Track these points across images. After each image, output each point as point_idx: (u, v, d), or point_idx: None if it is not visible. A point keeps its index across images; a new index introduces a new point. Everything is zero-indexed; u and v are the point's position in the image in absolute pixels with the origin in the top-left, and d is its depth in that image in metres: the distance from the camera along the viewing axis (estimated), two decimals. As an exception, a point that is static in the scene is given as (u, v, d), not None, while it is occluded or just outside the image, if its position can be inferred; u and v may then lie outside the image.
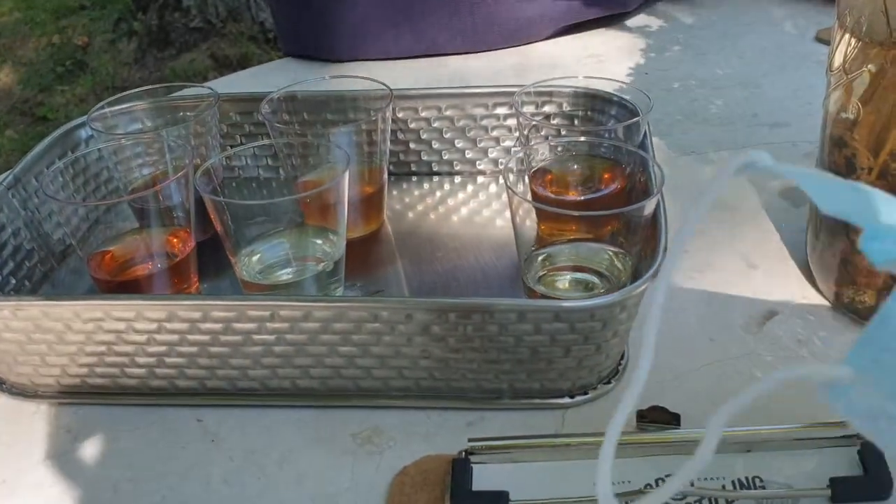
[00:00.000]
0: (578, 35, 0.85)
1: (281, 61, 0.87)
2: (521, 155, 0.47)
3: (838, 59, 0.44)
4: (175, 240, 0.47)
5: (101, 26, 3.27)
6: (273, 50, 2.97)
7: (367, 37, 0.82)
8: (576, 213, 0.42)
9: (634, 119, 0.50)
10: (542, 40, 0.85)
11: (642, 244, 0.43)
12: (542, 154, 0.48)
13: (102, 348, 0.42)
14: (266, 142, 0.50)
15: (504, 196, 0.58)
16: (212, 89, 0.56)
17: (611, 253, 0.44)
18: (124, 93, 0.57)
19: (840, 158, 0.46)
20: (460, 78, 0.79)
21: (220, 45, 2.94)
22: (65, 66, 3.01)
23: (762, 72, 0.76)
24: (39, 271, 0.52)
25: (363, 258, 0.52)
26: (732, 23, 0.87)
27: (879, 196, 0.20)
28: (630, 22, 0.88)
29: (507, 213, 0.56)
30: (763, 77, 0.75)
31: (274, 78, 0.83)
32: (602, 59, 0.81)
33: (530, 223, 0.44)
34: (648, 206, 0.41)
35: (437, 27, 0.81)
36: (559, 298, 0.44)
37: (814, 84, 0.73)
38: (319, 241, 0.47)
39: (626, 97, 0.53)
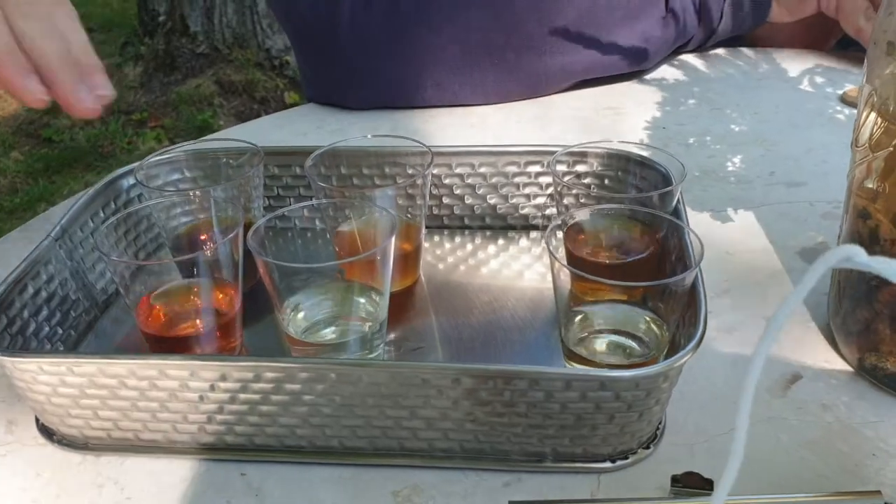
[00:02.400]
0: (596, 87, 0.88)
1: (304, 107, 0.89)
2: (561, 219, 0.48)
3: (865, 135, 0.46)
4: (223, 296, 0.49)
5: (107, 50, 3.29)
6: (278, 77, 3.00)
7: (391, 88, 0.84)
8: (621, 284, 0.43)
9: (668, 188, 0.52)
10: (560, 92, 0.87)
11: (680, 311, 0.44)
12: (582, 217, 0.50)
13: (155, 405, 0.43)
14: (316, 202, 0.52)
15: (534, 250, 0.60)
16: (254, 145, 0.57)
17: (648, 319, 0.46)
18: (172, 146, 0.58)
19: (864, 229, 0.48)
20: (483, 129, 0.81)
21: (225, 70, 2.97)
22: (70, 88, 3.03)
23: (777, 129, 0.78)
24: (84, 321, 0.53)
25: (399, 313, 0.54)
26: (747, 77, 0.90)
27: None
28: (646, 74, 0.90)
29: (538, 267, 0.58)
30: (778, 134, 0.77)
31: (299, 124, 0.85)
32: (619, 111, 0.83)
33: (570, 287, 0.45)
34: (687, 278, 0.43)
35: (460, 81, 0.83)
36: (600, 364, 0.45)
37: (828, 143, 0.75)
38: (363, 301, 0.48)
39: (660, 162, 0.55)
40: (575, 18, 0.82)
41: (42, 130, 2.81)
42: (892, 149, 0.44)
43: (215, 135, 0.83)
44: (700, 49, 0.95)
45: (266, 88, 2.98)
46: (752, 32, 0.95)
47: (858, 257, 0.22)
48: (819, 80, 0.88)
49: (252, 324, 0.52)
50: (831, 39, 0.95)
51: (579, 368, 0.45)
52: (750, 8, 0.90)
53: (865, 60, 0.46)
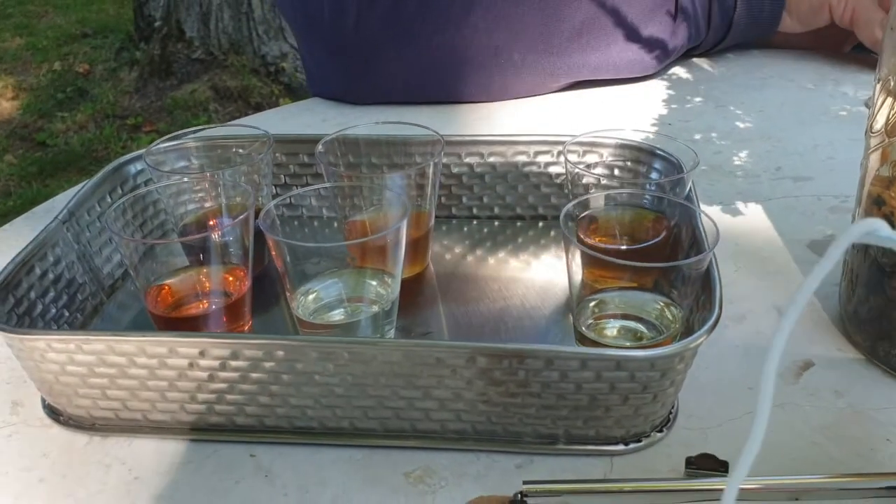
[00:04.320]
0: (601, 85, 0.88)
1: (309, 101, 0.89)
2: (575, 204, 0.48)
3: (880, 121, 0.46)
4: (232, 278, 0.48)
5: (102, 54, 3.29)
6: (274, 83, 3.00)
7: (395, 86, 0.84)
8: (636, 265, 0.43)
9: (680, 175, 0.51)
10: (563, 90, 0.87)
11: (694, 296, 0.44)
12: (596, 203, 0.49)
13: (164, 384, 0.43)
14: (326, 185, 0.52)
15: (543, 240, 0.60)
16: (265, 131, 0.57)
17: (662, 303, 0.46)
18: (180, 131, 0.58)
19: (879, 216, 0.48)
20: (489, 123, 0.81)
21: (221, 76, 2.97)
22: (65, 92, 3.03)
23: (783, 126, 0.78)
24: (90, 304, 0.53)
25: (409, 299, 0.53)
26: (751, 76, 0.90)
27: None
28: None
29: (548, 257, 0.58)
30: (784, 131, 0.77)
31: (303, 118, 0.84)
32: (624, 108, 0.83)
33: (583, 274, 0.45)
34: (703, 261, 0.43)
35: (464, 80, 0.83)
36: (612, 346, 0.45)
37: (834, 139, 0.75)
38: (374, 283, 0.48)
39: (671, 152, 0.55)
40: (581, 22, 0.82)
41: (36, 134, 2.81)
42: (906, 134, 0.44)
43: (223, 123, 0.82)
44: (707, 54, 0.95)
45: (261, 94, 2.98)
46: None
47: (882, 231, 0.22)
48: (824, 79, 0.88)
49: (260, 310, 0.52)
50: (846, 46, 0.94)
51: (595, 348, 0.44)
52: (760, 18, 0.90)
53: (882, 46, 0.46)
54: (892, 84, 0.45)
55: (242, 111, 2.92)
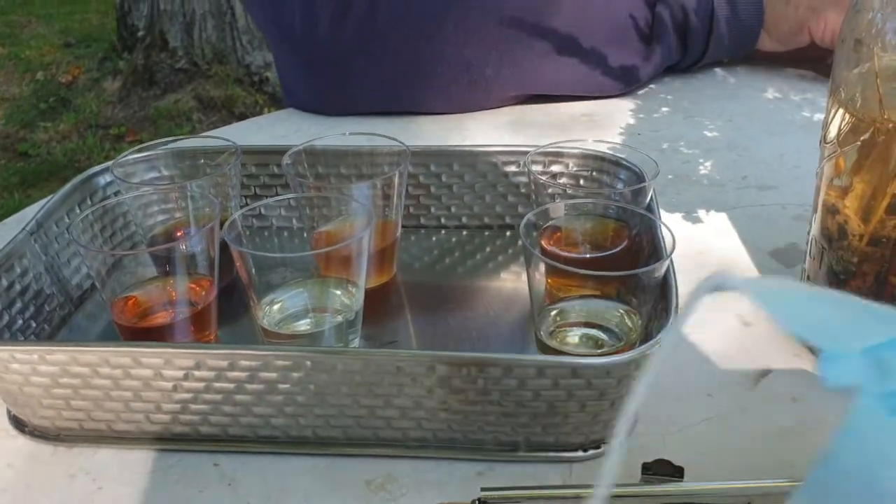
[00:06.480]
0: (571, 96, 0.89)
1: (283, 112, 0.89)
2: (536, 214, 0.49)
3: (833, 132, 0.47)
4: (198, 288, 0.49)
5: (86, 64, 3.29)
6: (258, 93, 3.01)
7: (367, 97, 0.85)
8: (594, 274, 0.44)
9: (641, 184, 0.52)
10: (533, 102, 0.88)
11: (653, 303, 0.45)
12: (557, 213, 0.50)
13: (129, 394, 0.43)
14: (291, 195, 0.52)
15: (510, 249, 0.61)
16: (232, 142, 0.57)
17: (622, 311, 0.46)
18: (149, 143, 0.58)
19: (833, 225, 0.49)
20: (459, 133, 0.82)
21: (205, 86, 2.97)
22: (48, 102, 3.02)
23: (750, 135, 0.79)
24: (58, 315, 0.53)
25: (375, 309, 0.54)
26: (719, 87, 0.91)
27: (848, 311, 0.21)
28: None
29: (514, 266, 0.59)
30: (751, 140, 0.78)
31: (277, 128, 0.85)
32: (594, 118, 0.84)
33: (545, 282, 0.46)
34: (659, 269, 0.43)
35: (435, 94, 0.84)
36: (572, 354, 0.46)
37: (800, 149, 0.76)
38: (339, 293, 0.48)
39: (633, 161, 0.56)
40: (555, 41, 0.83)
41: (18, 144, 2.80)
42: (859, 144, 0.45)
43: (193, 135, 0.83)
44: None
45: (245, 104, 2.98)
46: None
47: (730, 282, 0.22)
48: (787, 88, 0.89)
49: (228, 320, 0.52)
50: (829, 59, 0.95)
51: (552, 356, 0.45)
52: (737, 40, 0.90)
53: (833, 58, 0.47)
54: (842, 95, 0.46)
55: (226, 121, 2.92)
